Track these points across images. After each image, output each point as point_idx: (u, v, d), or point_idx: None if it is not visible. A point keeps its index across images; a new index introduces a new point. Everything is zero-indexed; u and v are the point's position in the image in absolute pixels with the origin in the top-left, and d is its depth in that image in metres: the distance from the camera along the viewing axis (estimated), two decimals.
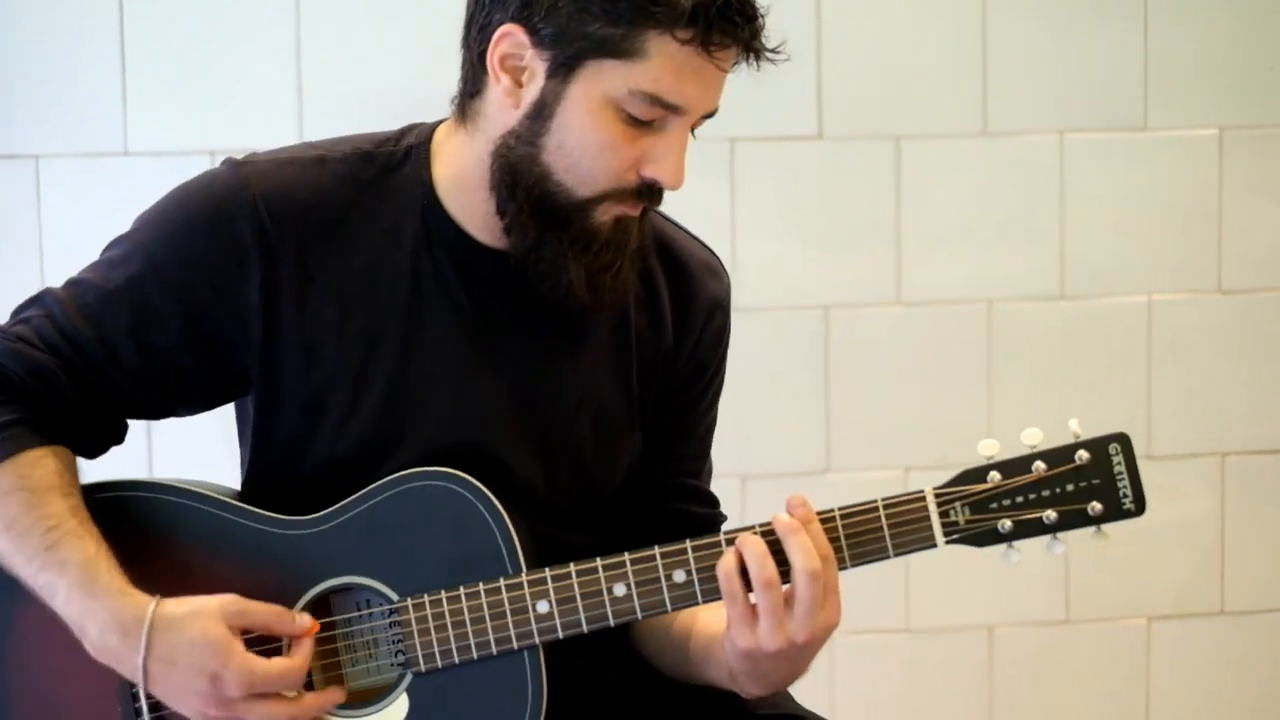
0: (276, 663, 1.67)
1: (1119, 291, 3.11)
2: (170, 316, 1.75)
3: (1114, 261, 3.10)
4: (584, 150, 1.68)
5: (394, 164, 1.81)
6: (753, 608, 1.66)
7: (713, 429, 2.00)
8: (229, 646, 1.65)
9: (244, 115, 2.87)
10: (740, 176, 3.00)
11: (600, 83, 1.66)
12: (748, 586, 1.67)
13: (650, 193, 1.73)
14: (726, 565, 1.67)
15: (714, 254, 1.97)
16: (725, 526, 1.87)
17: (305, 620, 1.70)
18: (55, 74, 2.87)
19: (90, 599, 1.66)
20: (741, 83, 2.92)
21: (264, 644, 1.70)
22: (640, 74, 1.65)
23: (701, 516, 1.97)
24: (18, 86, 2.87)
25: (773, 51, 1.75)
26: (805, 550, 1.66)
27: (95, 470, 1.80)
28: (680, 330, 1.90)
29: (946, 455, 3.04)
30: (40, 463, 1.72)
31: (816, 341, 3.04)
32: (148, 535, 1.75)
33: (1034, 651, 3.15)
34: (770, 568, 1.65)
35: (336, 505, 1.74)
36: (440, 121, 1.84)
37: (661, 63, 1.65)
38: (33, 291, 1.82)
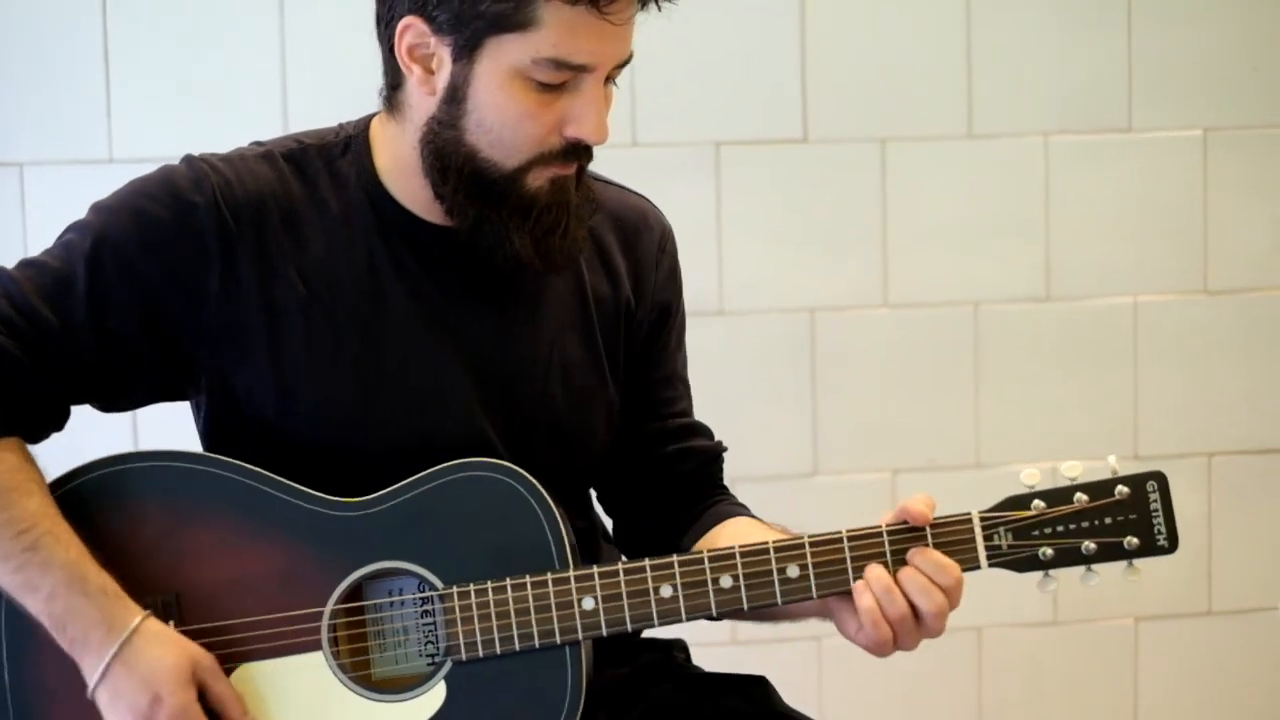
0: None
1: (1105, 293, 3.12)
2: (127, 301, 1.76)
3: (1100, 263, 3.11)
4: (503, 124, 1.71)
5: (336, 155, 1.84)
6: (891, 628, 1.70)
7: (686, 364, 2.02)
8: (185, 683, 1.67)
9: (228, 123, 2.87)
10: (726, 180, 3.01)
11: (503, 57, 1.69)
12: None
13: (577, 151, 1.75)
14: (868, 606, 1.69)
15: (647, 199, 2.00)
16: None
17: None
18: (40, 82, 2.87)
19: (79, 596, 1.67)
20: (727, 87, 2.93)
21: None
22: (539, 41, 1.68)
23: (703, 449, 1.99)
24: (2, 95, 2.87)
25: None
26: (925, 592, 1.69)
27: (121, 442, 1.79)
28: (636, 281, 1.93)
29: (935, 458, 3.05)
30: (1, 458, 1.72)
31: (803, 344, 3.05)
32: (191, 506, 1.76)
33: (1023, 652, 3.15)
34: (901, 604, 1.69)
35: (385, 490, 1.75)
36: (373, 114, 1.86)
37: (556, 27, 1.67)
38: None
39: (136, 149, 2.87)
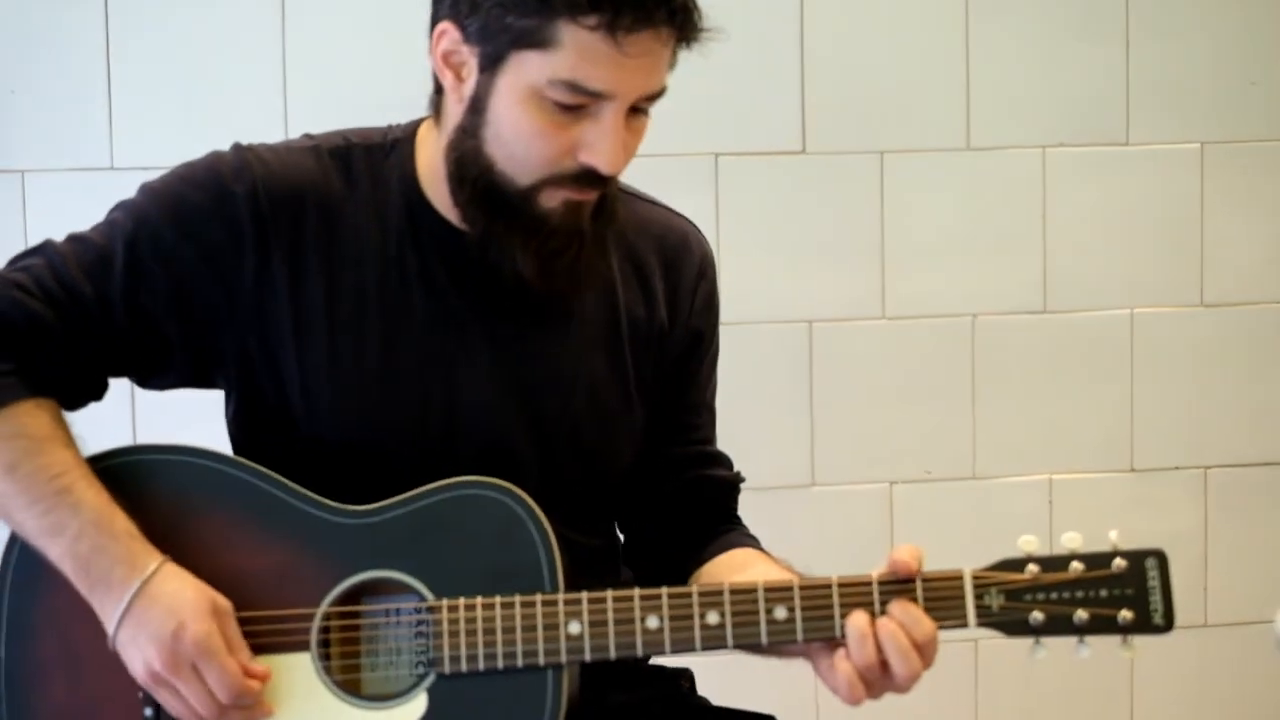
0: (232, 661, 1.69)
1: (1102, 305, 3.13)
2: (160, 283, 1.78)
3: (1097, 275, 3.12)
4: (517, 139, 1.71)
5: (381, 157, 1.85)
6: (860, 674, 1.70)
7: (715, 392, 2.03)
8: (207, 615, 1.68)
9: (229, 130, 2.85)
10: (725, 191, 3.01)
11: (524, 73, 1.69)
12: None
13: (590, 177, 1.74)
14: (843, 668, 1.69)
15: (690, 222, 2.00)
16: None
17: (263, 670, 1.71)
18: (41, 90, 2.88)
19: (108, 536, 1.70)
20: (725, 99, 2.94)
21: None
22: (557, 63, 1.67)
23: (722, 479, 2.00)
24: (4, 102, 2.88)
25: (704, 31, 1.72)
26: (903, 655, 1.68)
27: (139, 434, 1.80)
28: (672, 304, 1.93)
29: (932, 469, 3.05)
30: (35, 413, 1.75)
31: (801, 355, 3.05)
32: (191, 499, 1.78)
33: (1018, 665, 3.15)
34: (872, 656, 1.68)
35: (388, 500, 1.75)
36: (422, 119, 1.87)
37: (575, 51, 1.67)
38: None
39: (138, 157, 2.88)
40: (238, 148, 1.83)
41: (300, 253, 1.79)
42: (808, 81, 3.02)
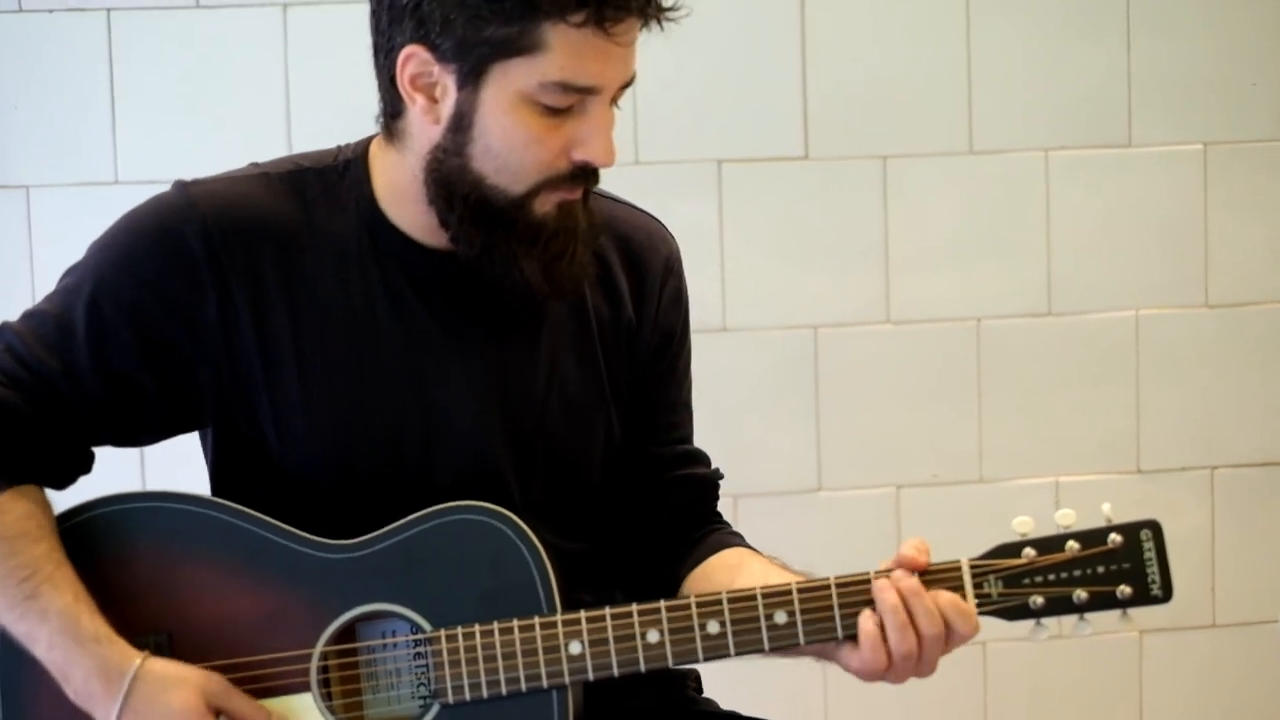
0: None
1: (1106, 307, 3.13)
2: (127, 340, 1.75)
3: (1101, 277, 3.12)
4: (510, 149, 1.70)
5: (334, 179, 1.83)
6: (889, 656, 1.70)
7: (691, 390, 2.02)
8: (203, 716, 1.67)
9: (233, 143, 2.88)
10: (728, 198, 3.02)
11: (510, 82, 1.68)
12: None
13: (584, 174, 1.74)
14: (869, 630, 1.69)
15: (656, 219, 1.98)
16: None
17: None
18: (45, 105, 2.89)
19: (76, 645, 1.67)
20: (728, 105, 2.94)
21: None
22: (545, 65, 1.67)
23: (702, 477, 1.99)
24: (8, 118, 2.89)
25: (671, 10, 1.71)
26: (930, 616, 1.68)
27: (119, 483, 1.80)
28: (639, 303, 1.92)
29: (938, 473, 3.06)
30: (8, 508, 1.72)
31: (806, 361, 3.06)
32: (182, 547, 1.76)
33: (1027, 666, 3.16)
34: (911, 641, 1.68)
35: (375, 532, 1.74)
36: (372, 136, 1.86)
37: (562, 50, 1.66)
38: None
39: (142, 171, 2.88)
40: (181, 185, 1.80)
41: (260, 283, 1.76)
42: (810, 87, 3.02)
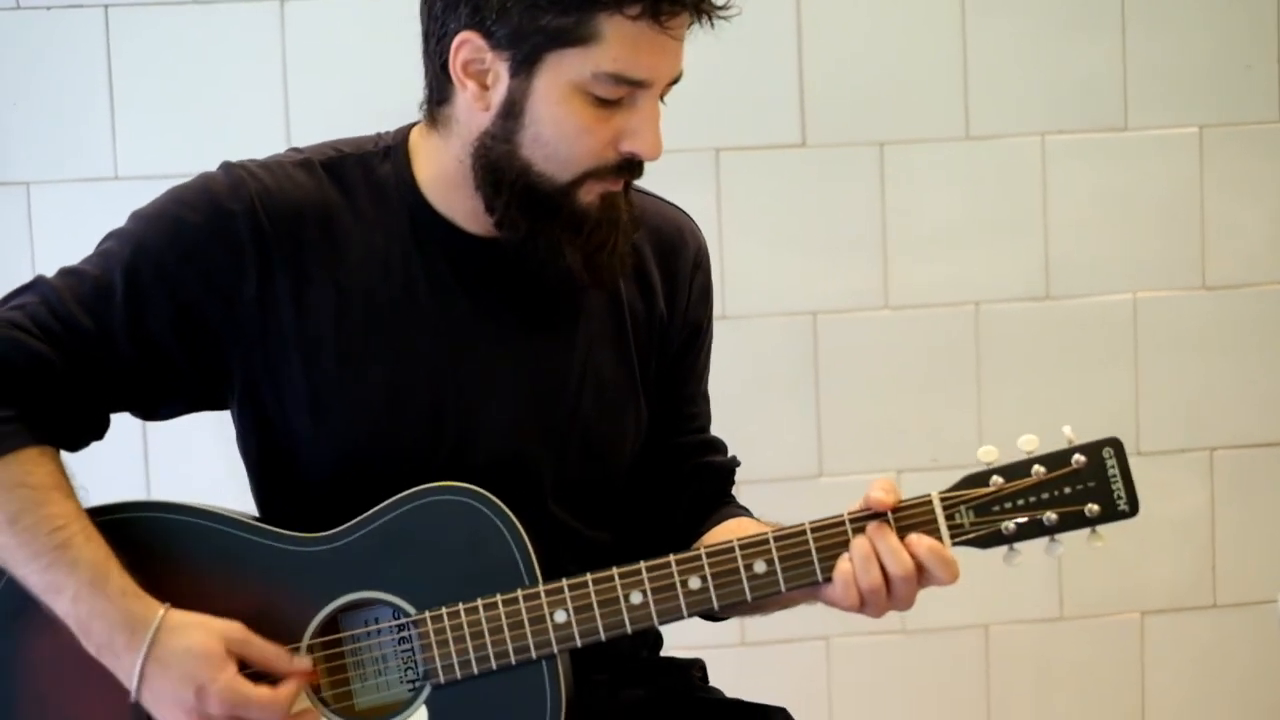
0: (263, 691, 1.69)
1: (1104, 290, 3.14)
2: (164, 310, 1.76)
3: (1098, 260, 3.13)
4: (560, 138, 1.72)
5: (375, 165, 1.84)
6: (860, 595, 1.71)
7: (708, 378, 2.04)
8: (221, 663, 1.68)
9: (232, 137, 2.88)
10: (726, 186, 3.03)
11: (563, 72, 1.69)
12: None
13: (630, 167, 1.76)
14: (846, 572, 1.71)
15: (684, 212, 2.00)
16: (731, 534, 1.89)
17: (305, 663, 1.73)
18: (45, 101, 2.89)
19: (103, 599, 1.68)
20: (725, 93, 2.95)
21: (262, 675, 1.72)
22: (599, 56, 1.68)
23: (720, 465, 2.01)
24: (8, 115, 2.89)
25: (723, 8, 1.74)
26: (895, 555, 1.70)
27: (101, 493, 1.81)
28: (670, 296, 1.94)
29: (938, 457, 3.07)
30: (39, 461, 1.73)
31: (806, 347, 3.07)
32: (161, 555, 1.76)
33: (1030, 649, 3.17)
34: (875, 574, 1.70)
35: (350, 522, 1.75)
36: (412, 124, 1.87)
37: (617, 42, 1.68)
38: None
39: (142, 166, 2.89)
40: (228, 166, 1.81)
41: (303, 267, 1.78)
42: (806, 75, 3.03)
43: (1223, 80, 3.13)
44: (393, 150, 1.85)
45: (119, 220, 1.87)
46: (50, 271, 1.81)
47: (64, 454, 1.79)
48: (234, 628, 1.70)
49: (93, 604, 1.68)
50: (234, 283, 1.77)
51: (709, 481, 1.99)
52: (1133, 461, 1.76)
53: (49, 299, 1.77)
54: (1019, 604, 3.13)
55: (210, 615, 1.70)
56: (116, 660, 1.69)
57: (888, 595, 1.71)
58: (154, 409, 1.86)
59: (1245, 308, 3.16)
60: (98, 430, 1.83)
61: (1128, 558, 3.14)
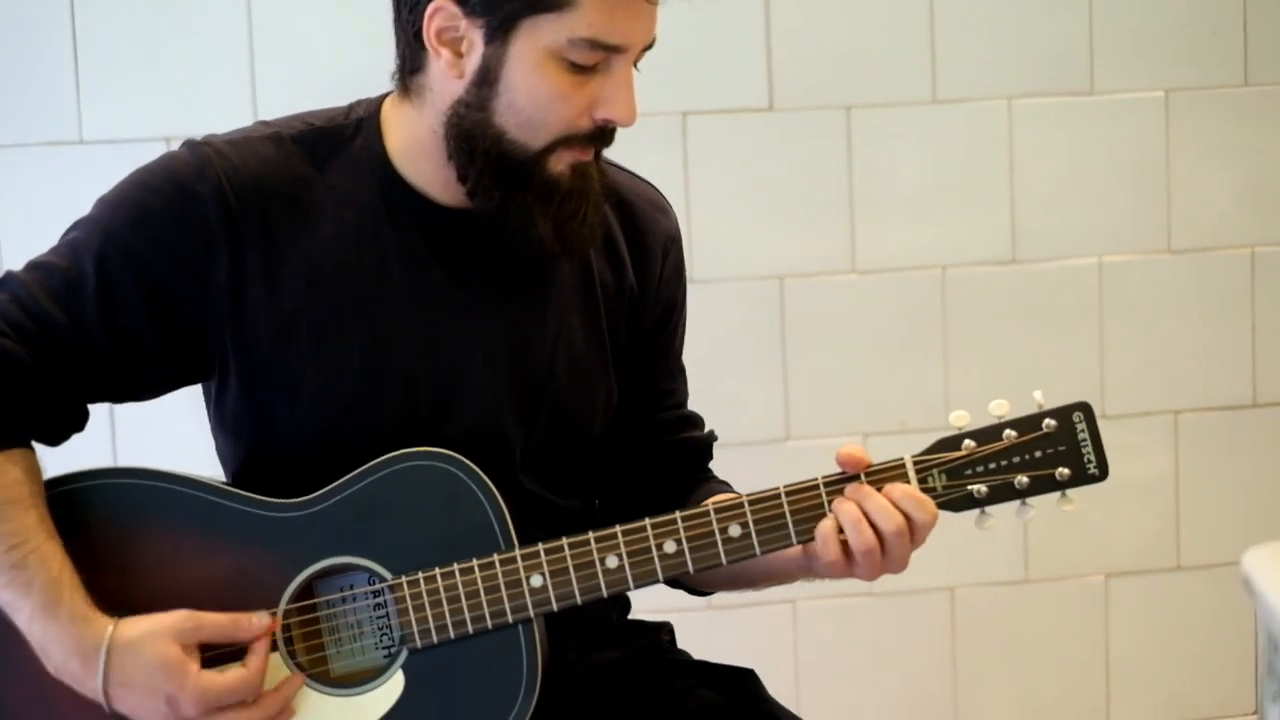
0: (231, 675, 1.69)
1: (1070, 254, 3.15)
2: (136, 297, 1.75)
3: (1065, 224, 3.14)
4: (535, 105, 1.71)
5: (346, 137, 1.83)
6: (848, 556, 1.72)
7: (683, 349, 2.04)
8: (182, 668, 1.67)
9: (198, 99, 2.87)
10: (693, 150, 3.02)
11: (538, 38, 1.69)
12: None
13: (602, 135, 1.76)
14: (827, 529, 1.72)
15: (657, 190, 2.00)
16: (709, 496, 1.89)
17: (262, 620, 1.72)
18: (7, 65, 2.87)
19: (53, 623, 1.67)
20: (692, 57, 2.94)
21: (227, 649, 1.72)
22: (574, 22, 1.68)
23: (698, 440, 2.02)
24: None
25: None
26: (886, 513, 1.71)
27: (71, 461, 1.80)
28: (641, 272, 1.93)
29: (906, 420, 3.08)
30: (3, 471, 1.71)
31: (773, 311, 3.07)
32: (131, 522, 1.76)
33: (995, 611, 3.19)
34: (868, 535, 1.71)
35: (327, 487, 1.75)
36: (385, 95, 1.86)
37: (593, 7, 1.68)
38: None
39: (107, 130, 2.87)
40: (192, 144, 1.79)
41: (273, 243, 1.77)
42: (773, 38, 3.03)
43: (1189, 45, 3.13)
44: (364, 122, 1.83)
45: (84, 184, 1.86)
46: (15, 243, 1.79)
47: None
48: (181, 618, 1.69)
49: (46, 627, 1.67)
50: (204, 264, 1.75)
51: (686, 457, 2.00)
52: (1099, 425, 1.78)
53: (19, 296, 1.75)
54: (985, 567, 3.14)
55: (156, 612, 1.68)
56: (78, 683, 1.68)
57: (882, 555, 1.72)
58: (134, 394, 1.85)
59: (1211, 271, 3.18)
60: (78, 422, 1.82)
61: (1093, 521, 3.15)
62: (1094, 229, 3.14)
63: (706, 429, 2.04)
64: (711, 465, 2.03)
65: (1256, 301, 3.20)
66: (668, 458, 1.98)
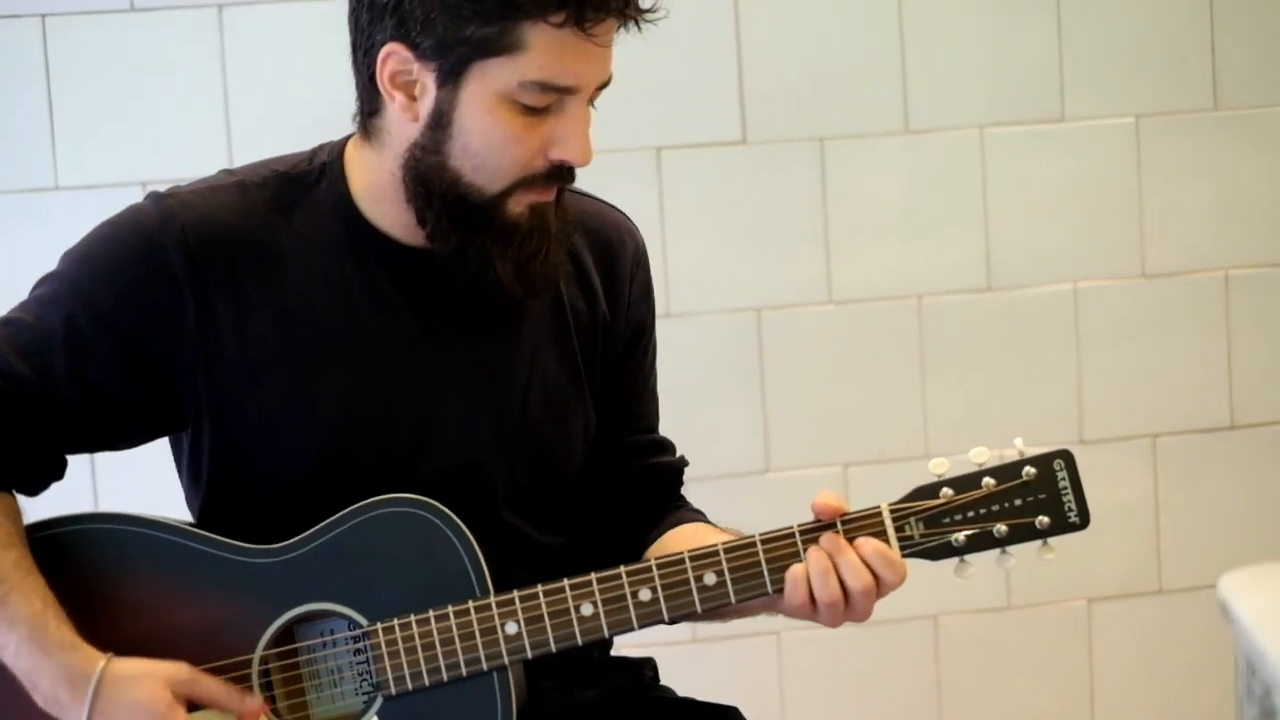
0: None
1: (1045, 280, 3.16)
2: (105, 352, 1.75)
3: (1039, 251, 3.15)
4: (489, 148, 1.71)
5: (311, 182, 1.83)
6: (814, 602, 1.73)
7: (656, 378, 2.04)
8: (171, 712, 1.67)
9: (173, 145, 2.88)
10: (668, 184, 3.03)
11: (489, 81, 1.69)
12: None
13: (560, 174, 1.76)
14: (797, 574, 1.72)
15: (621, 212, 2.00)
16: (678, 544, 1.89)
17: (255, 702, 1.72)
18: None
19: (41, 654, 1.67)
20: (665, 91, 2.95)
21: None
22: (525, 65, 1.68)
23: (669, 465, 2.02)
24: None
25: (650, 12, 1.73)
26: (855, 571, 1.71)
27: (49, 506, 1.80)
28: (611, 296, 1.93)
29: (885, 450, 3.08)
30: None
31: (750, 343, 3.07)
32: (110, 568, 1.75)
33: (979, 638, 3.19)
34: (834, 588, 1.72)
35: (303, 534, 1.74)
36: (348, 137, 1.86)
37: (542, 50, 1.67)
38: None
39: (83, 175, 2.87)
40: (156, 196, 1.79)
41: (241, 292, 1.76)
42: (745, 72, 3.04)
43: (1158, 71, 3.15)
44: (328, 166, 1.83)
45: (60, 230, 1.86)
46: None
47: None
48: (180, 670, 1.69)
49: (33, 659, 1.67)
50: (172, 314, 1.75)
51: (658, 482, 2.00)
52: (1076, 450, 1.77)
53: None
54: (967, 594, 3.14)
55: (155, 659, 1.69)
56: (64, 714, 1.67)
57: (845, 607, 1.72)
58: (108, 445, 1.85)
59: (1185, 295, 3.19)
60: (56, 472, 1.82)
61: (1074, 546, 3.11)
62: (1068, 255, 3.16)
63: (678, 454, 2.04)
64: (684, 492, 2.03)
65: (1232, 323, 3.21)
66: (639, 483, 1.98)
